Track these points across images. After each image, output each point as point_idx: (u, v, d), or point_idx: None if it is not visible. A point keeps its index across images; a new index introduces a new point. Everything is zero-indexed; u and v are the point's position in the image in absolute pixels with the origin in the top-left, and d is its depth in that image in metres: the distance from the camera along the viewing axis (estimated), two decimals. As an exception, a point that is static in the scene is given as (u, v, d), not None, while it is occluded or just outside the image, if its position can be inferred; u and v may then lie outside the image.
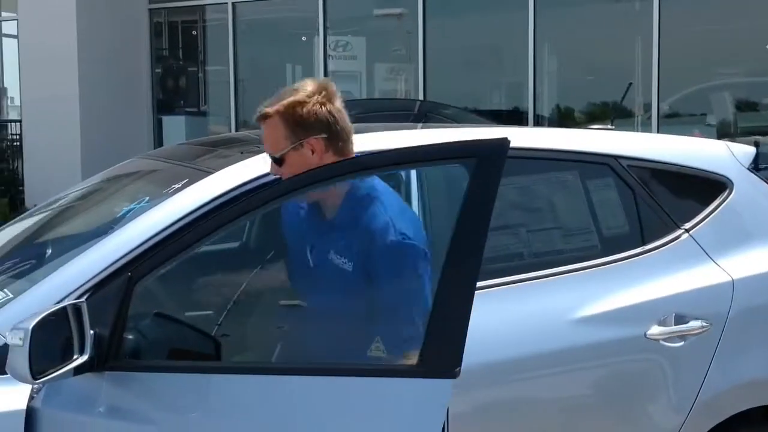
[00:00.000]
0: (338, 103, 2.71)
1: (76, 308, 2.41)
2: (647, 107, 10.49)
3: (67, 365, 2.38)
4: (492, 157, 2.40)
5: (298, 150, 2.67)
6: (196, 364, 2.62)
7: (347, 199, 2.73)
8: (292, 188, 2.63)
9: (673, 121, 10.60)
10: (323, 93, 2.69)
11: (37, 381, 2.33)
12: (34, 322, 2.29)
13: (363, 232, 2.67)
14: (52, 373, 2.35)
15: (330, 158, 2.68)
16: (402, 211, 2.74)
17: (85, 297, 2.50)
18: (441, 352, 2.29)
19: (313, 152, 2.67)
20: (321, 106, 2.66)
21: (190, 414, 2.50)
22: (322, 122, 2.67)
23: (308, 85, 2.71)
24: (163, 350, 2.65)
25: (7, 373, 2.39)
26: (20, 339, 2.28)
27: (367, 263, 2.65)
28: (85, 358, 2.41)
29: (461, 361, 2.27)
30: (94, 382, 2.46)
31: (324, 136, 2.67)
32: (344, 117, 2.72)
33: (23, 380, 2.33)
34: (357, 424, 2.37)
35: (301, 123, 2.66)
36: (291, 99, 2.68)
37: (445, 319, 2.32)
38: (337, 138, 2.69)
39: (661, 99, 10.38)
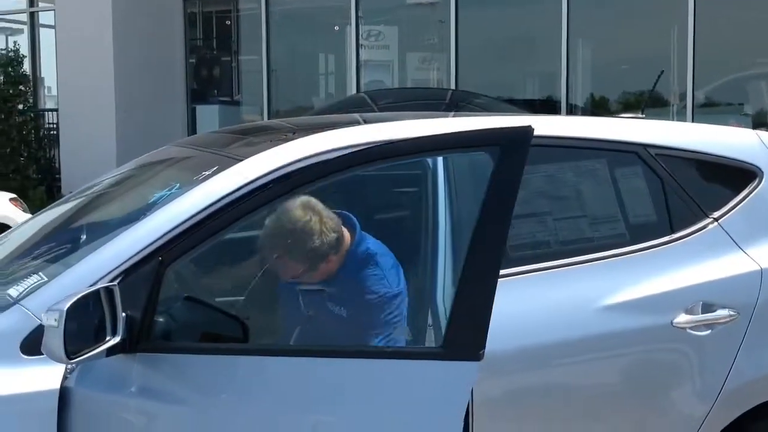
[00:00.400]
0: (324, 211, 2.93)
1: (109, 291, 2.47)
2: (682, 96, 10.43)
3: (100, 346, 2.45)
4: (516, 145, 2.50)
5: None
6: (226, 346, 2.69)
7: (348, 260, 2.99)
8: (317, 177, 2.75)
9: (708, 111, 10.53)
10: (319, 217, 2.91)
11: (72, 361, 2.40)
12: (68, 304, 2.36)
13: (361, 288, 2.97)
14: (86, 353, 2.42)
15: (338, 254, 2.96)
16: (392, 265, 3.00)
17: (117, 281, 2.55)
18: (465, 335, 2.39)
19: (328, 261, 2.95)
20: (325, 234, 2.92)
21: (221, 395, 2.56)
22: (330, 245, 2.94)
23: (301, 218, 2.91)
24: (193, 333, 2.72)
25: (42, 354, 2.46)
26: (55, 320, 2.34)
27: (362, 311, 2.97)
28: (117, 339, 2.47)
29: (485, 343, 2.36)
30: (126, 364, 2.52)
31: (334, 251, 2.94)
32: (332, 217, 2.95)
33: (58, 360, 2.40)
34: (383, 404, 2.46)
35: (313, 257, 2.94)
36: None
37: (469, 303, 2.43)
38: (339, 239, 2.96)
39: (696, 88, 10.31)
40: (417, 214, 3.14)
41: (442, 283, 2.91)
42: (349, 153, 2.83)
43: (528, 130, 2.50)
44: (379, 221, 3.44)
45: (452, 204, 3.03)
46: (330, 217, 2.94)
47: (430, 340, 2.91)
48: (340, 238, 2.97)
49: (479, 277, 2.42)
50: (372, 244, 3.03)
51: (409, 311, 2.97)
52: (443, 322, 2.74)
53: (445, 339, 2.46)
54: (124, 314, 2.48)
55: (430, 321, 2.91)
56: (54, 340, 2.36)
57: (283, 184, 2.79)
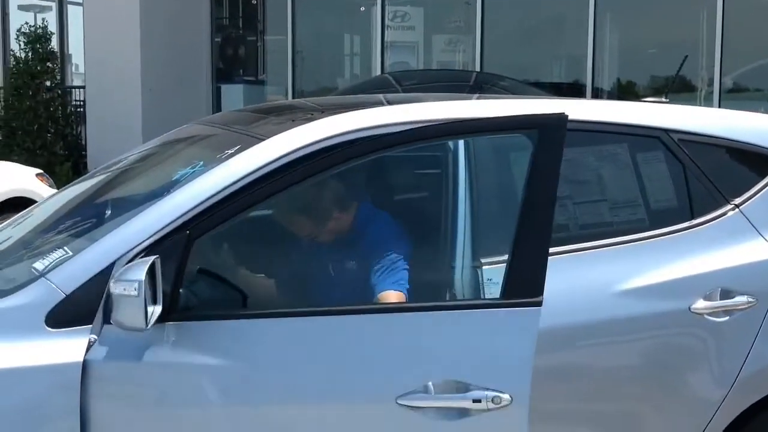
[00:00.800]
0: None
1: (151, 263, 2.54)
2: (710, 82, 10.34)
3: (154, 315, 2.52)
4: (553, 128, 2.89)
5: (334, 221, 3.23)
6: (267, 311, 2.83)
7: (359, 219, 3.25)
8: (341, 161, 2.87)
9: (736, 96, 10.44)
10: None
11: (147, 329, 2.49)
12: (144, 274, 2.46)
13: (374, 231, 3.23)
14: (150, 321, 2.50)
15: (343, 213, 3.22)
16: (397, 223, 3.28)
17: (142, 255, 2.61)
18: (525, 284, 2.73)
19: (335, 219, 3.20)
20: (326, 191, 3.12)
21: (269, 358, 2.67)
22: (332, 201, 3.16)
23: None
24: (214, 302, 2.82)
25: (65, 327, 2.53)
26: (135, 289, 2.44)
27: (375, 245, 3.18)
28: (160, 308, 2.54)
29: (543, 290, 2.69)
30: (151, 334, 2.57)
31: (338, 209, 3.19)
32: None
33: (137, 328, 2.49)
34: (462, 352, 2.69)
35: (321, 213, 3.18)
36: None
37: (526, 257, 2.77)
38: (341, 199, 3.19)
39: (724, 73, 10.22)
40: (454, 189, 3.27)
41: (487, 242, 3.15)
42: (385, 133, 2.91)
43: (562, 116, 2.90)
44: (409, 199, 3.58)
45: (473, 180, 3.19)
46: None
47: (470, 293, 3.18)
48: (342, 198, 3.19)
49: (533, 234, 2.77)
50: (377, 211, 3.29)
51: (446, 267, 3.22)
52: (482, 278, 3.09)
53: (506, 289, 2.76)
54: None
55: (478, 277, 3.12)
56: (134, 309, 2.46)
57: (307, 165, 2.84)
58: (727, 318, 3.10)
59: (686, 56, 9.26)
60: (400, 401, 2.63)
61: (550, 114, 2.96)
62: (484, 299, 3.05)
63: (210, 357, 2.63)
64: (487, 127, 3.07)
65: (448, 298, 3.12)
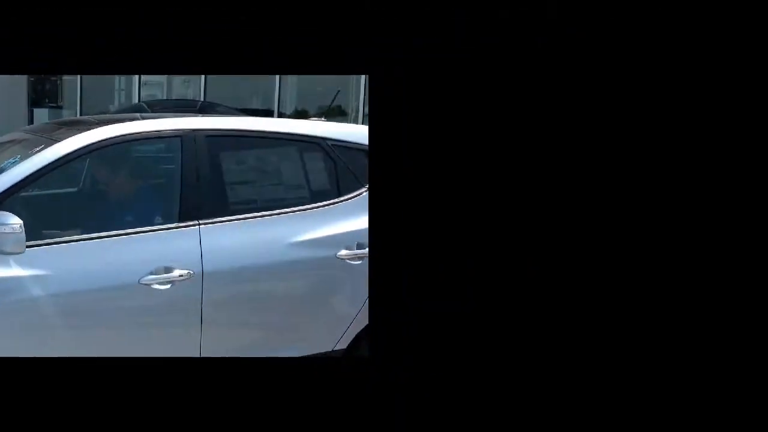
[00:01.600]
0: None
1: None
2: (356, 108, 10.73)
3: None
4: (187, 137, 2.91)
5: None
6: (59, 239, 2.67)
7: (137, 188, 3.06)
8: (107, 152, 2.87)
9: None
10: None
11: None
12: (18, 219, 2.43)
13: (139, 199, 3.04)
14: None
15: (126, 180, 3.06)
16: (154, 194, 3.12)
17: None
18: (190, 216, 2.82)
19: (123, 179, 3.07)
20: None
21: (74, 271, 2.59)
22: None
23: None
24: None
25: None
26: (19, 228, 2.43)
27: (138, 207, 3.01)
28: None
29: (199, 218, 2.81)
30: None
31: (123, 177, 3.05)
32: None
33: (19, 253, 2.45)
34: (168, 251, 2.76)
35: None
36: None
37: (187, 202, 2.83)
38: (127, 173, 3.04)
39: (365, 103, 10.55)
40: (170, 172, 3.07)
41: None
42: (128, 137, 2.90)
43: (196, 129, 2.93)
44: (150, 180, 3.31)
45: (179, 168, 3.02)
46: None
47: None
48: (127, 172, 3.05)
49: (192, 192, 2.84)
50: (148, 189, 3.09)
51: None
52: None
53: (181, 217, 2.83)
54: None
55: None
56: (18, 240, 2.44)
57: (83, 157, 2.82)
58: (361, 262, 2.98)
59: (339, 90, 9.06)
60: (141, 281, 2.71)
61: (190, 128, 2.92)
62: (174, 225, 2.89)
63: (32, 270, 2.55)
64: (158, 136, 2.94)
65: (162, 226, 2.92)
